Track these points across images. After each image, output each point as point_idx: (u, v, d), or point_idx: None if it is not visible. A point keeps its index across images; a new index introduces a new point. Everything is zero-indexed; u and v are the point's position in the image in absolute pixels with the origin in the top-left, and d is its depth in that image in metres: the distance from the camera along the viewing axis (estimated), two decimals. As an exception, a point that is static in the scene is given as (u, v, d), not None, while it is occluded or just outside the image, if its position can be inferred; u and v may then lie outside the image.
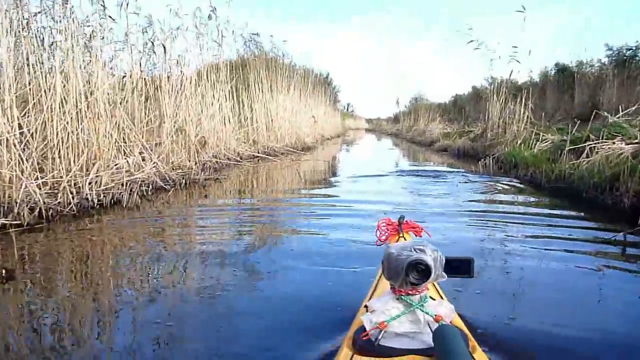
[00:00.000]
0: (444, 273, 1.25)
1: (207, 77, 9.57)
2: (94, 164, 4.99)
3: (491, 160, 8.31)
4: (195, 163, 7.60)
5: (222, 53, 10.49)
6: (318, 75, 29.08)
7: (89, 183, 4.76)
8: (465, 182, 7.18)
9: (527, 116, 10.07)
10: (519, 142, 9.35)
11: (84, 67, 5.39)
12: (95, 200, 4.70)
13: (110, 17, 6.81)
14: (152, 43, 7.60)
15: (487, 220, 4.44)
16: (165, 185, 5.97)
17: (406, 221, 2.29)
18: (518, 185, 6.82)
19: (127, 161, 5.67)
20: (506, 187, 6.74)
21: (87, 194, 4.65)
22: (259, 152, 11.33)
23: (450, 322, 1.25)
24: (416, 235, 2.27)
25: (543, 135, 8.51)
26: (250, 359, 1.85)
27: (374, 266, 1.97)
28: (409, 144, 21.90)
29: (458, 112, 27.46)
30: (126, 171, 5.44)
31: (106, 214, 4.59)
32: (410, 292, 1.24)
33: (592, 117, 9.31)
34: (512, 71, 11.44)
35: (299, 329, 2.06)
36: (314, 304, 2.36)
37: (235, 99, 11.83)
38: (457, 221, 4.40)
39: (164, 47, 7.44)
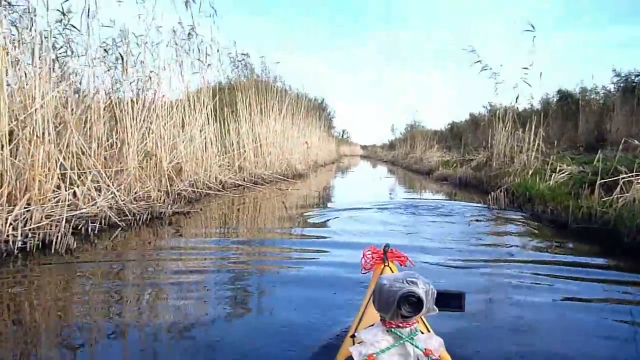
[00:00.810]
0: (435, 307, 1.22)
1: (187, 97, 8.72)
2: (24, 196, 4.03)
3: (503, 194, 7.37)
4: (167, 194, 6.65)
5: (205, 72, 9.63)
6: (312, 100, 28.52)
7: (13, 220, 3.77)
8: (477, 220, 6.26)
9: (538, 144, 9.20)
10: (529, 172, 8.47)
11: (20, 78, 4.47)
12: (19, 243, 3.72)
13: (73, 26, 6.01)
14: (122, 57, 6.73)
15: (504, 269, 3.69)
16: (120, 221, 4.98)
17: (391, 250, 2.24)
18: (536, 223, 5.89)
19: (75, 192, 4.71)
20: (522, 226, 5.82)
21: (8, 234, 3.67)
22: (244, 180, 10.39)
23: (439, 357, 1.22)
24: (401, 265, 2.23)
25: (558, 166, 7.63)
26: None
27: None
28: (406, 172, 21.03)
29: (455, 139, 26.90)
30: (69, 205, 4.47)
31: (30, 261, 3.61)
32: (400, 324, 1.21)
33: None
34: (517, 96, 10.60)
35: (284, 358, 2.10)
36: (298, 332, 2.38)
37: (220, 122, 10.98)
38: (470, 267, 3.69)
39: (122, 57, 6.49)
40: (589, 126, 17.08)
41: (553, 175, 7.34)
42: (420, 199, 9.46)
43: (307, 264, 3.82)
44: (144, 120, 6.57)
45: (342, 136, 67.90)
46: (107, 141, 5.89)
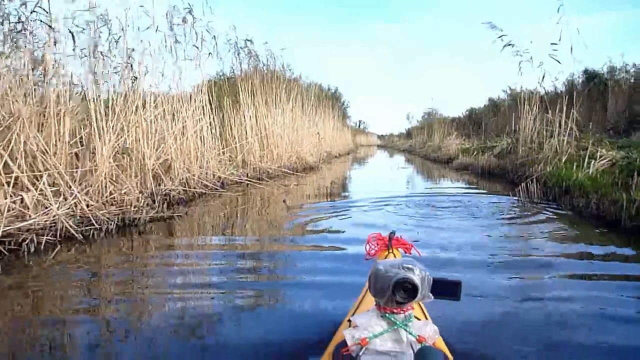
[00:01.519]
0: (430, 294, 1.22)
1: (182, 87, 7.94)
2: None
3: (535, 185, 6.43)
4: (153, 195, 5.87)
5: (202, 60, 8.81)
6: (326, 89, 27.62)
7: None
8: (506, 216, 5.37)
9: (570, 128, 8.20)
10: (562, 159, 7.51)
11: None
12: None
13: (41, 7, 5.23)
14: (95, 46, 5.93)
15: (536, 275, 3.18)
16: (81, 231, 4.19)
17: (396, 237, 2.24)
18: (578, 221, 4.98)
19: (22, 198, 3.94)
20: (561, 224, 4.91)
21: None
22: (248, 176, 9.59)
23: (434, 344, 1.21)
24: (406, 252, 2.23)
25: (598, 151, 6.67)
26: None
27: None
28: (423, 161, 20.05)
29: (474, 126, 25.82)
30: (14, 215, 3.70)
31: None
32: (395, 310, 1.20)
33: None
34: (544, 75, 9.57)
35: (281, 344, 2.13)
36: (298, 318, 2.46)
37: (220, 114, 10.18)
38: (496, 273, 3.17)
39: (95, 44, 5.68)
40: (619, 108, 15.91)
41: (592, 163, 6.39)
42: (440, 190, 8.55)
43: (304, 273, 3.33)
44: (121, 112, 5.77)
45: (359, 126, 67.04)
46: (75, 137, 5.11)
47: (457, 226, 4.72)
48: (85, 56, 5.74)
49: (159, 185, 6.44)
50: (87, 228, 4.29)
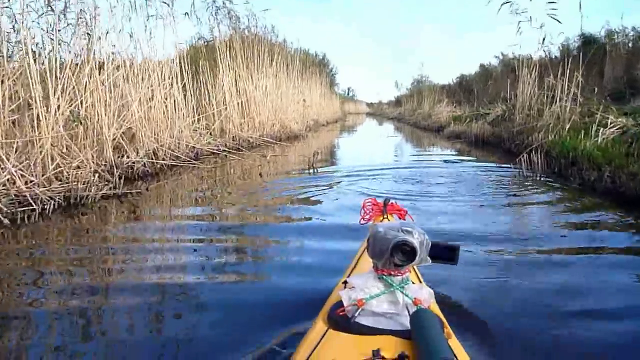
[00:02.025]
0: (428, 257, 1.22)
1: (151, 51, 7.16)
2: None
3: (538, 155, 5.84)
4: (112, 169, 5.19)
5: (175, 21, 8.01)
6: (313, 55, 26.70)
7: None
8: (508, 192, 4.79)
9: (574, 93, 7.57)
10: (566, 127, 6.91)
11: None
12: None
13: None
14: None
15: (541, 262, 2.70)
16: (13, 213, 3.54)
17: (391, 203, 2.24)
18: (590, 197, 4.41)
19: None
20: (571, 201, 4.35)
21: None
22: (226, 146, 8.92)
23: (428, 307, 1.20)
24: (400, 218, 2.20)
25: (609, 118, 6.07)
26: (224, 335, 1.84)
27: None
28: (413, 129, 19.42)
29: (465, 93, 25.17)
30: None
31: None
32: (392, 272, 1.20)
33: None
34: (544, 37, 8.90)
35: (275, 305, 2.11)
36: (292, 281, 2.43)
37: (197, 78, 9.43)
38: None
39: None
40: (617, 73, 15.27)
41: (601, 131, 5.80)
42: (432, 161, 7.97)
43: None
44: (73, 75, 5.03)
45: (348, 94, 66.01)
46: (13, 104, 4.39)
47: (455, 209, 4.09)
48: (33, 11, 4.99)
49: (122, 157, 5.77)
50: (22, 209, 3.63)
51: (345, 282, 1.30)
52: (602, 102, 7.51)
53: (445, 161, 7.62)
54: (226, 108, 9.90)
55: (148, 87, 6.70)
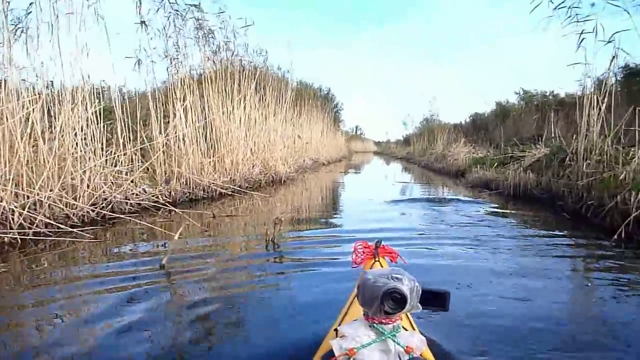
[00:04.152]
0: (419, 304, 1.20)
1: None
2: None
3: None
4: None
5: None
6: (316, 89, 24.47)
7: None
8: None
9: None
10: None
11: None
12: None
13: None
14: None
15: None
16: None
17: (383, 246, 2.20)
18: None
19: None
20: None
21: None
22: (169, 197, 6.36)
23: (421, 355, 1.21)
24: (392, 261, 2.20)
25: None
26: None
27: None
28: (426, 172, 16.72)
29: (479, 132, 22.82)
30: None
31: None
32: (383, 320, 1.19)
33: None
34: (614, 57, 6.33)
35: (266, 351, 2.01)
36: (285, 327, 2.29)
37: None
38: None
39: None
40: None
41: None
42: (466, 232, 5.24)
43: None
44: None
45: (356, 132, 63.90)
46: None
47: None
48: None
49: None
50: None
51: (336, 330, 1.29)
52: None
53: (500, 247, 4.77)
54: (177, 144, 7.35)
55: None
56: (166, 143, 7.22)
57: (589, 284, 3.05)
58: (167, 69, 8.11)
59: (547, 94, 20.34)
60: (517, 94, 22.25)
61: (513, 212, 6.61)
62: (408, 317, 1.62)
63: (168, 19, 7.76)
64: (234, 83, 9.49)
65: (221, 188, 7.64)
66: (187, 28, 8.36)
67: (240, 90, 9.75)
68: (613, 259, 3.68)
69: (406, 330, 1.26)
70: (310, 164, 17.29)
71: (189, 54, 8.41)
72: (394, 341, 1.16)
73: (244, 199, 7.56)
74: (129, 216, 5.32)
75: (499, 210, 6.73)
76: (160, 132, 7.08)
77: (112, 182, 5.65)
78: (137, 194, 5.95)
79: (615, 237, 4.08)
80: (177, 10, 7.79)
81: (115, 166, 5.96)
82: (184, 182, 7.11)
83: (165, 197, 6.45)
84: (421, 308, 1.21)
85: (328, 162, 21.79)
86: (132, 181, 6.11)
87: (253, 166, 9.70)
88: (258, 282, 3.08)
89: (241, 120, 9.50)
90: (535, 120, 19.02)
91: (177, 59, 8.22)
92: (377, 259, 2.10)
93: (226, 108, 9.06)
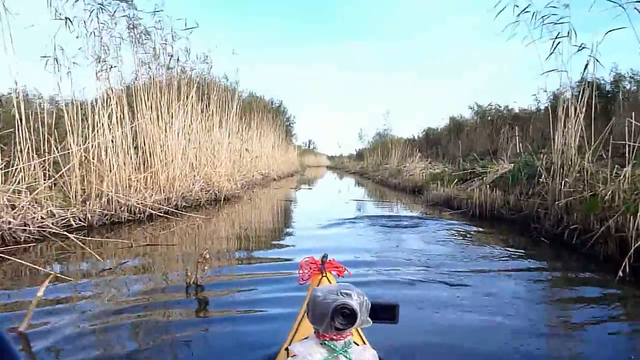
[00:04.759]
0: (369, 319, 1.20)
1: None
2: None
3: None
4: None
5: None
6: (266, 101, 23.56)
7: None
8: None
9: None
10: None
11: None
12: None
13: None
14: None
15: None
16: None
17: (329, 260, 2.15)
18: None
19: None
20: None
21: None
22: (86, 219, 5.29)
23: None
24: (339, 275, 2.16)
25: None
26: None
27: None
28: (380, 188, 16.03)
29: (432, 148, 22.54)
30: None
31: None
32: (334, 337, 1.16)
33: None
34: (587, 64, 5.74)
35: None
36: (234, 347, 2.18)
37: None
38: None
39: None
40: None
41: None
42: (434, 257, 4.43)
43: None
44: None
45: (309, 146, 63.32)
46: None
47: None
48: None
49: None
50: None
51: (287, 350, 1.28)
52: None
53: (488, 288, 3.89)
54: (99, 156, 6.29)
55: None
56: (86, 156, 6.15)
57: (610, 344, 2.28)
58: (96, 73, 7.02)
59: (502, 108, 20.12)
60: (471, 108, 22.01)
61: (482, 233, 5.89)
62: (359, 332, 1.62)
63: (90, 14, 6.72)
64: (171, 90, 8.50)
65: (151, 208, 6.60)
66: (118, 27, 7.36)
67: (180, 97, 8.76)
68: (621, 300, 2.96)
69: (357, 345, 1.22)
70: (260, 179, 16.33)
71: (119, 57, 7.39)
72: (346, 357, 1.14)
73: (179, 221, 6.55)
74: (29, 245, 4.25)
75: (465, 230, 6.01)
76: (76, 143, 5.99)
77: (4, 204, 4.56)
78: (41, 218, 4.87)
79: (621, 273, 3.34)
80: (100, 4, 6.74)
81: (13, 184, 4.86)
82: (106, 202, 6.04)
83: (80, 220, 5.39)
84: (371, 322, 1.19)
85: (279, 177, 20.88)
86: (36, 201, 5.03)
87: (193, 183, 8.70)
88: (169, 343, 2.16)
89: (180, 131, 8.48)
90: (489, 135, 18.88)
91: (106, 61, 7.18)
92: (324, 274, 2.05)
93: (161, 116, 8.04)
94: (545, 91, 14.16)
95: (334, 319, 1.11)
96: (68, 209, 5.35)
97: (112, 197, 6.06)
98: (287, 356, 1.22)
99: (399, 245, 4.91)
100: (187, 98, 8.95)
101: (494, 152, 15.90)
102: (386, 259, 4.14)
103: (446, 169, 12.80)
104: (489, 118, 20.57)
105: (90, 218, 5.50)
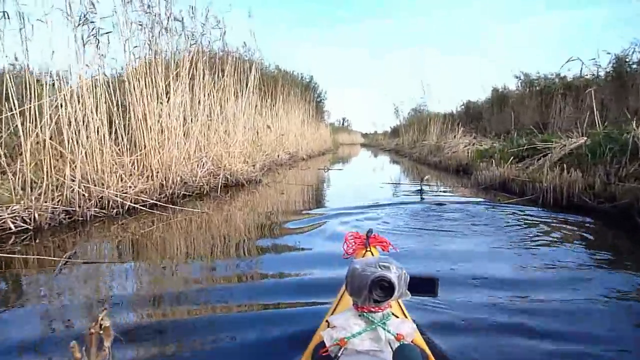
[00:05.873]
0: (407, 291, 1.19)
1: None
2: None
3: None
4: None
5: None
6: (295, 76, 22.00)
7: None
8: None
9: None
10: None
11: None
12: None
13: None
14: None
15: None
16: None
17: (374, 235, 2.14)
18: None
19: None
20: None
21: None
22: (58, 215, 3.97)
23: (412, 342, 1.16)
24: (383, 250, 2.15)
25: None
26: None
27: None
28: (418, 166, 14.37)
29: (473, 122, 20.61)
30: None
31: None
32: (372, 309, 1.17)
33: None
34: None
35: (260, 345, 1.96)
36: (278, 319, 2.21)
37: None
38: None
39: None
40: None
41: None
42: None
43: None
44: None
45: (342, 124, 61.43)
46: None
47: None
48: None
49: None
50: None
51: (327, 322, 1.25)
52: None
53: None
54: (62, 137, 4.94)
55: None
56: (45, 137, 4.81)
57: None
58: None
59: (552, 76, 17.90)
60: (517, 77, 19.82)
61: (563, 230, 4.30)
62: (399, 304, 1.57)
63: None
64: (174, 60, 7.11)
65: (132, 201, 5.25)
66: None
67: (183, 64, 7.36)
68: None
69: (397, 317, 1.21)
70: (287, 158, 14.92)
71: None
72: (384, 329, 1.14)
73: (167, 216, 5.20)
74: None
75: (542, 230, 4.42)
76: (30, 120, 4.65)
77: None
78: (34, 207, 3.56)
79: None
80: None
81: None
82: (69, 195, 4.72)
83: (24, 220, 4.08)
84: (410, 295, 1.19)
85: (309, 156, 19.41)
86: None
87: (199, 166, 7.34)
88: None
89: (181, 105, 7.09)
90: (537, 106, 16.84)
91: (94, 22, 5.79)
92: (368, 249, 2.03)
93: (155, 88, 6.66)
94: (609, 53, 12.19)
95: (372, 291, 1.11)
96: (9, 206, 4.04)
97: (76, 188, 4.71)
98: (328, 327, 1.18)
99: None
100: (195, 68, 7.55)
101: (544, 125, 14.10)
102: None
103: (495, 144, 11.07)
104: (537, 88, 18.37)
105: (37, 217, 4.17)
